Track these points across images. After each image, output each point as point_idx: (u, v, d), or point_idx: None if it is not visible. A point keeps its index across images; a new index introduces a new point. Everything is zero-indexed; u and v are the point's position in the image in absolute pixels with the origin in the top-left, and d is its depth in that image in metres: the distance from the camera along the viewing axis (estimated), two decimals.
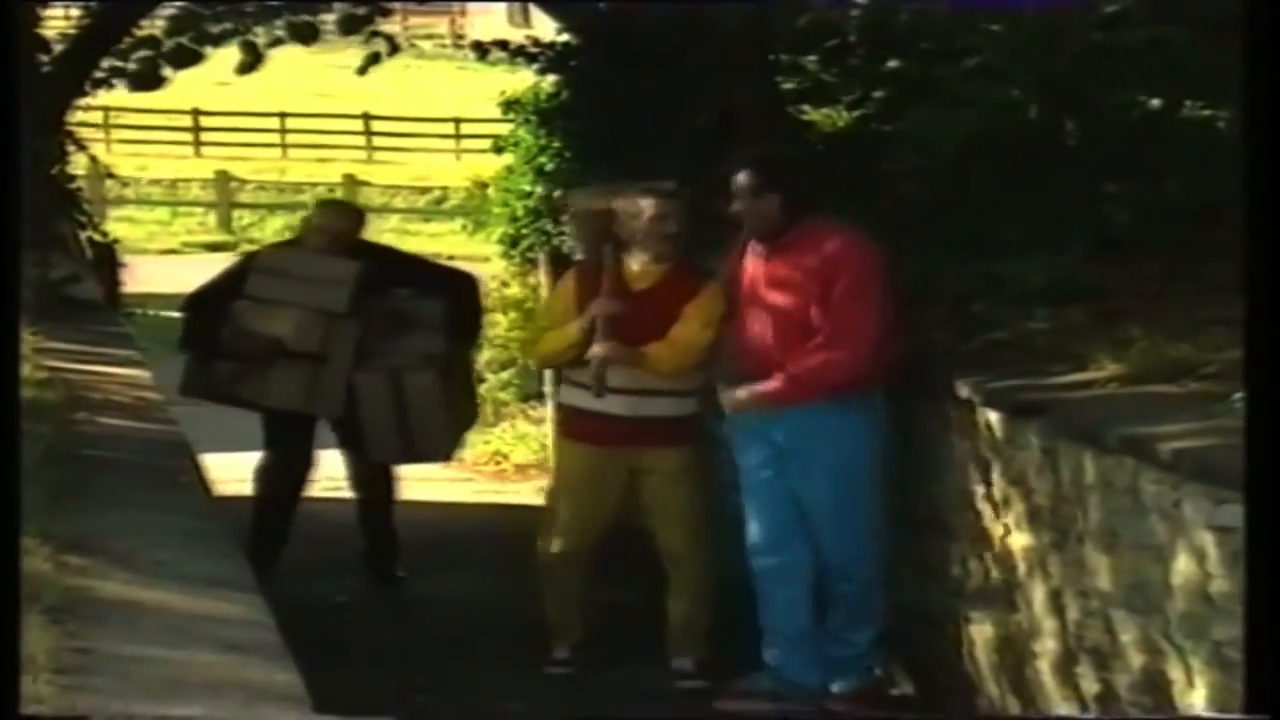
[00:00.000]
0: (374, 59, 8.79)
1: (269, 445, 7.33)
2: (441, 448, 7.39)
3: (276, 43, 8.56)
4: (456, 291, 7.26)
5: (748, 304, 5.88)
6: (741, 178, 5.84)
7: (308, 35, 8.38)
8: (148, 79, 8.49)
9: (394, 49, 8.93)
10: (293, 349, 6.85)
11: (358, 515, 7.52)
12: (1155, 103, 6.55)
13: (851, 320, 5.70)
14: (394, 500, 7.50)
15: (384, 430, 6.92)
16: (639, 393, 6.07)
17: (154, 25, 8.47)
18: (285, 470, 7.26)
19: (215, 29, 8.45)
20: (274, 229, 29.62)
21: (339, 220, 7.34)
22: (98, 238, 9.68)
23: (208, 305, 7.16)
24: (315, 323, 6.86)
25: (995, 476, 5.49)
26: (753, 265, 5.90)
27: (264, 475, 7.32)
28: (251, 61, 8.54)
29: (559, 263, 10.23)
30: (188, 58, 8.39)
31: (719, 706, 5.90)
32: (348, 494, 7.60)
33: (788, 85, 7.99)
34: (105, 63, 8.69)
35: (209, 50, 8.45)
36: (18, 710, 2.68)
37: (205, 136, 35.92)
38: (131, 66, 8.49)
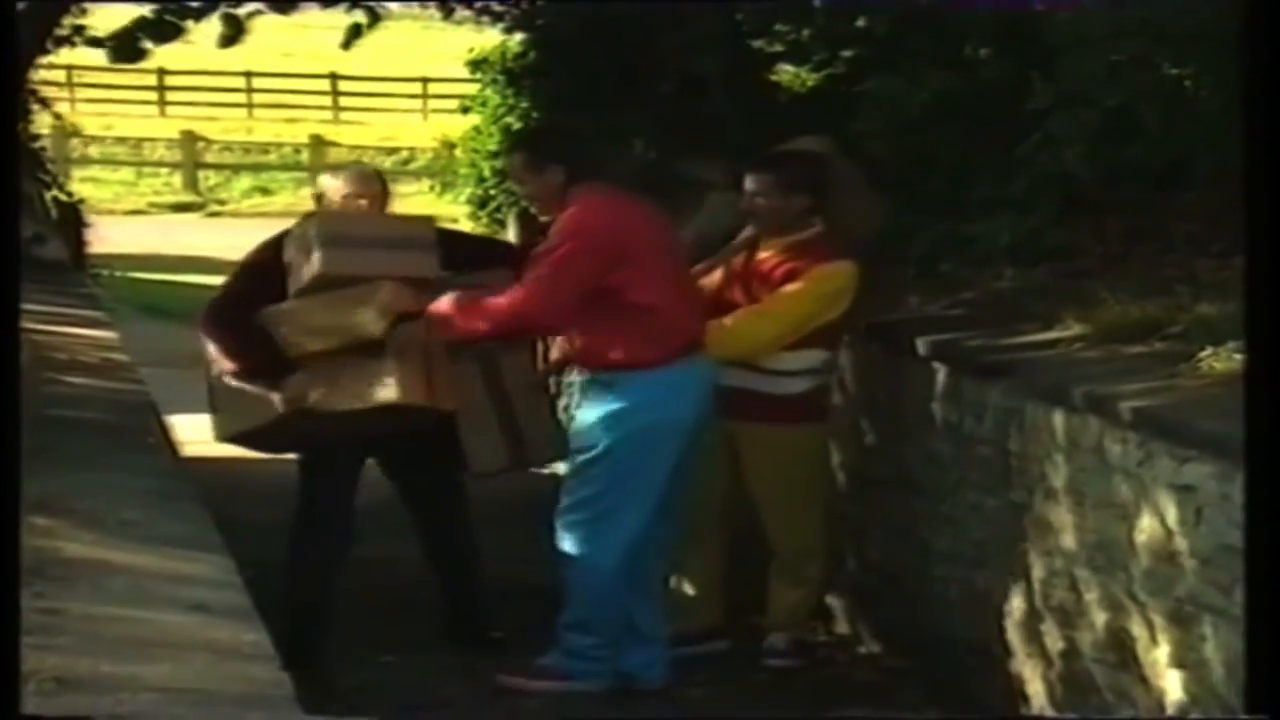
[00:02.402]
0: (356, 32, 8.77)
1: (320, 490, 5.87)
2: (551, 444, 5.96)
3: (255, 14, 8.51)
4: (517, 265, 5.79)
5: None
6: (518, 158, 5.59)
7: (285, 5, 8.34)
8: (128, 51, 8.43)
9: (375, 19, 8.85)
10: (393, 332, 5.47)
11: (440, 573, 6.14)
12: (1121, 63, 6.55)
13: (545, 272, 5.35)
14: (475, 544, 6.11)
15: (485, 431, 5.73)
16: (740, 365, 5.79)
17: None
18: (339, 523, 5.89)
19: (196, 3, 8.38)
20: (241, 189, 29.59)
21: (370, 185, 5.93)
22: (62, 198, 9.66)
23: (241, 315, 5.65)
24: (407, 297, 5.50)
25: (961, 435, 5.52)
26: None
27: (313, 533, 5.87)
28: (233, 34, 8.48)
29: (527, 224, 10.22)
30: (169, 32, 8.32)
31: (500, 681, 5.65)
32: None
33: (755, 46, 7.99)
34: (67, 20, 8.66)
35: (190, 24, 8.40)
36: (18, 710, 2.67)
37: (171, 96, 35.74)
38: (110, 40, 8.44)
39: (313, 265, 5.52)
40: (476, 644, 6.05)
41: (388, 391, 5.44)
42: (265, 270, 5.69)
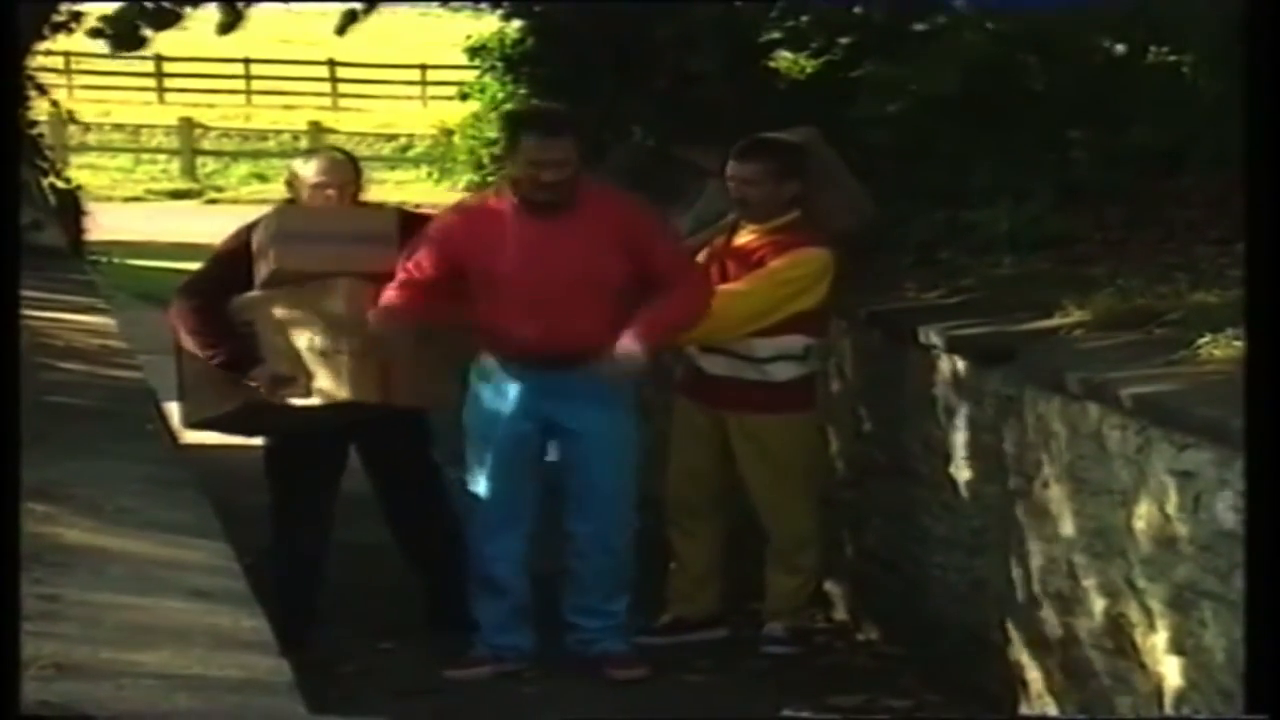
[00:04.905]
0: (350, 18, 8.77)
1: (298, 483, 5.85)
2: None
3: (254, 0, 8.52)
4: None
5: (537, 268, 5.39)
6: (562, 143, 5.37)
7: None
8: (127, 38, 8.43)
9: (370, 5, 8.84)
10: (349, 328, 5.53)
11: (418, 561, 6.08)
12: (1120, 49, 6.57)
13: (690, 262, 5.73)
14: (458, 529, 5.91)
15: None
16: (723, 353, 5.84)
17: None
18: (320, 506, 5.89)
19: None
20: (239, 176, 29.57)
21: (340, 173, 5.84)
22: (60, 184, 9.65)
23: (213, 303, 5.70)
24: (364, 293, 5.54)
25: (960, 423, 5.51)
26: (534, 230, 5.42)
27: (297, 515, 5.86)
28: (231, 21, 8.49)
29: None
30: (168, 19, 8.32)
31: (448, 675, 5.61)
32: None
33: (753, 33, 7.98)
34: (65, 7, 8.65)
35: (187, 10, 8.41)
36: (18, 710, 2.67)
37: (169, 83, 35.72)
38: (110, 29, 8.44)
39: (269, 261, 5.59)
40: (459, 630, 5.93)
41: (340, 390, 5.53)
42: (236, 258, 5.75)
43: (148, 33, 8.40)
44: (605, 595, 5.70)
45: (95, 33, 8.56)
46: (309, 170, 5.89)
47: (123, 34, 8.43)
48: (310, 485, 5.86)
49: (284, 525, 5.88)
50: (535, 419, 5.54)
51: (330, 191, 5.78)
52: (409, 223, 5.85)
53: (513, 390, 5.52)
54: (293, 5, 8.85)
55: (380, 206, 6.06)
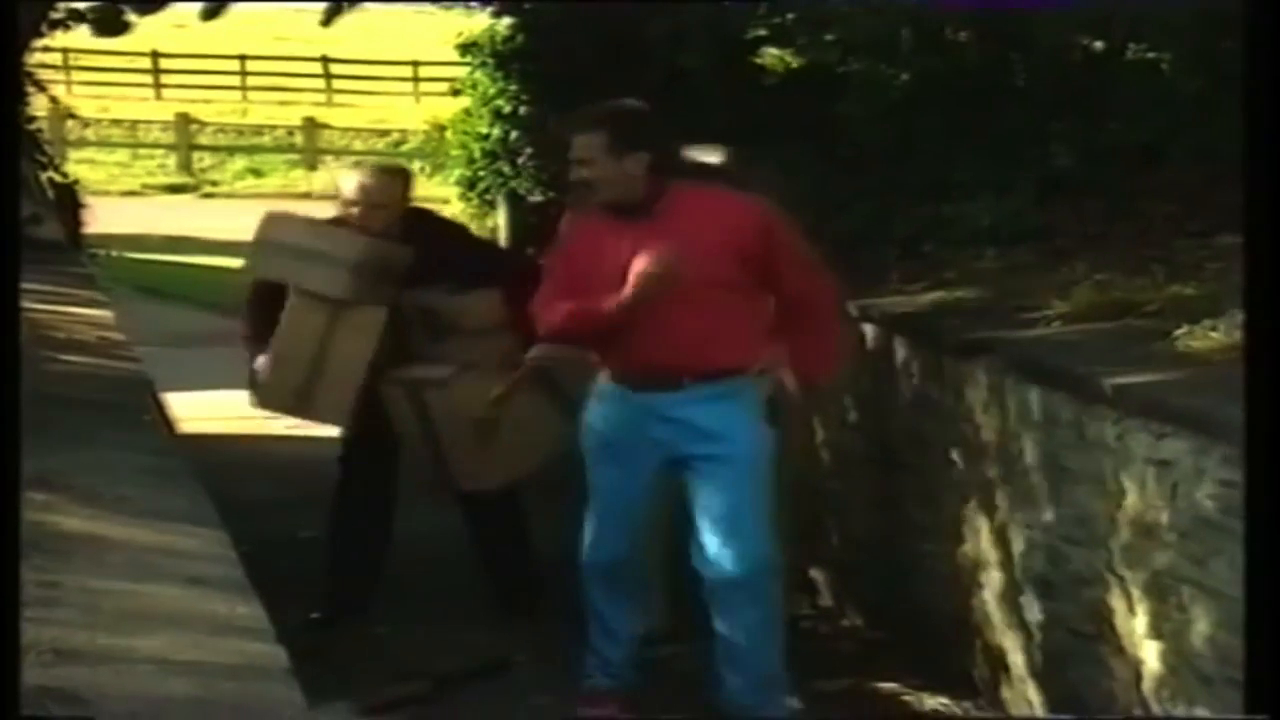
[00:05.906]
0: (336, 9, 8.78)
1: (349, 470, 6.07)
2: (480, 480, 5.77)
3: None
4: (512, 284, 5.59)
5: (621, 278, 4.85)
6: (597, 137, 4.94)
7: None
8: (110, 24, 8.45)
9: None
10: (284, 340, 5.65)
11: (479, 546, 6.24)
12: (1099, 45, 6.62)
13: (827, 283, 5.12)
14: (513, 526, 6.10)
15: (416, 453, 5.82)
16: None
17: None
18: (366, 497, 6.06)
19: None
20: (234, 171, 29.56)
21: (364, 194, 5.74)
22: (58, 179, 9.68)
23: (264, 301, 5.84)
24: (310, 309, 5.59)
25: (943, 412, 5.58)
26: (611, 239, 4.95)
27: (346, 506, 6.09)
28: (215, 7, 8.50)
29: (517, 205, 10.26)
30: (151, 4, 8.32)
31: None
32: (310, 431, 6.71)
33: (740, 29, 8.03)
34: (63, 4, 8.69)
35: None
36: (18, 710, 2.71)
37: (165, 79, 35.68)
38: (93, 13, 8.46)
39: None
40: (526, 613, 6.06)
41: (262, 396, 5.86)
42: None
43: (132, 18, 8.41)
44: (762, 658, 5.02)
45: (74, 14, 8.56)
46: (343, 186, 5.89)
47: (106, 19, 8.44)
48: (362, 475, 6.01)
49: (338, 514, 6.10)
50: (648, 443, 4.98)
51: (353, 210, 5.75)
52: (424, 226, 5.89)
53: (619, 415, 5.03)
54: (287, 3, 8.88)
55: (409, 214, 5.92)
